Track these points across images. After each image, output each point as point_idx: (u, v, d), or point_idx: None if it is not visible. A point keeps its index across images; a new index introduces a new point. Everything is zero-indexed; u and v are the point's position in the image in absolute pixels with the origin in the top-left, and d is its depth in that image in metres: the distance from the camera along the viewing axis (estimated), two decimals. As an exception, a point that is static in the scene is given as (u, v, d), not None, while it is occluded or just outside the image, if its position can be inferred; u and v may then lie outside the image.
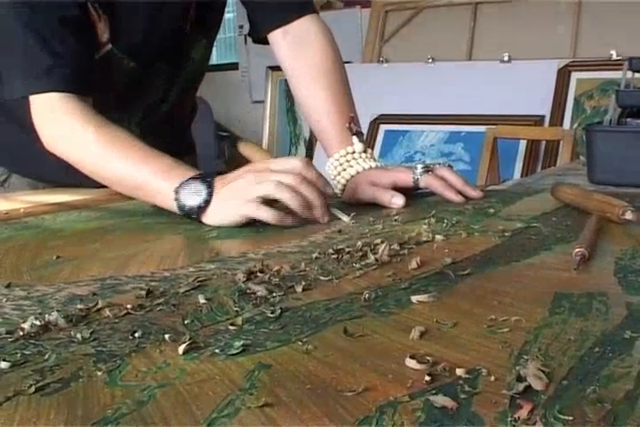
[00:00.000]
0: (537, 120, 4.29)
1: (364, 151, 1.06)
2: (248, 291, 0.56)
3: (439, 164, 1.00)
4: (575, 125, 4.20)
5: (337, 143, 1.07)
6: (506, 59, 4.57)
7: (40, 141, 1.05)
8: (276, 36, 1.18)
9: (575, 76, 4.37)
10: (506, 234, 0.72)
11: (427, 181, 0.96)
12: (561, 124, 4.23)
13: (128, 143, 0.95)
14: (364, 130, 1.24)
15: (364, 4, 5.82)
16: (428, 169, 0.97)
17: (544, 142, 4.11)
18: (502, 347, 0.42)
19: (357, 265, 0.62)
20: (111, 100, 1.10)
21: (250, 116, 5.90)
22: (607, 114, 1.18)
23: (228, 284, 0.59)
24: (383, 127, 4.80)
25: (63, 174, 1.11)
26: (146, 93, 1.25)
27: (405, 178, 0.97)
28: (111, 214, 1.03)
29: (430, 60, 4.91)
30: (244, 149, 1.02)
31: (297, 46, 1.16)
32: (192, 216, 0.88)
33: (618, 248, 0.65)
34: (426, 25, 5.13)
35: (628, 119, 1.20)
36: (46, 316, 0.51)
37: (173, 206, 0.88)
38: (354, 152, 1.05)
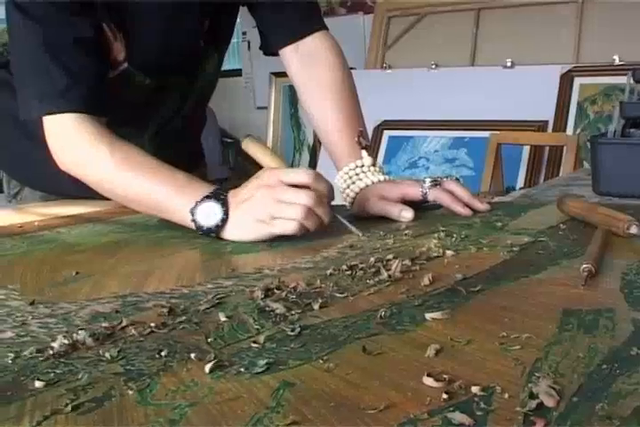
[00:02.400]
0: (540, 125, 4.31)
1: (373, 165, 1.08)
2: (267, 308, 0.58)
3: (446, 177, 1.02)
4: (578, 131, 4.22)
5: (346, 157, 1.09)
6: (509, 64, 4.59)
7: (53, 157, 1.07)
8: (287, 52, 1.21)
9: (578, 81, 4.39)
10: (514, 249, 0.74)
11: (435, 195, 0.98)
12: (564, 130, 4.25)
13: (142, 162, 0.97)
14: (368, 136, 1.25)
15: (366, 10, 5.84)
16: (435, 182, 0.99)
17: (548, 148, 4.13)
18: (515, 364, 0.44)
19: (371, 282, 0.64)
20: (126, 115, 1.12)
21: (253, 122, 5.92)
22: (611, 125, 1.20)
23: (246, 301, 0.61)
24: (387, 133, 4.82)
25: (74, 188, 1.13)
26: (159, 108, 1.27)
27: (414, 191, 0.99)
28: (124, 228, 1.05)
29: (433, 66, 4.93)
30: (249, 146, 1.02)
31: (308, 62, 1.18)
32: (210, 234, 0.90)
33: (624, 263, 0.66)
34: (429, 31, 5.15)
35: (632, 130, 1.22)
36: (74, 335, 0.53)
37: (192, 226, 0.91)
38: (363, 165, 1.07)
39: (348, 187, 1.06)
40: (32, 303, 0.65)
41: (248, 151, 0.98)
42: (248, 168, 5.46)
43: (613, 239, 0.76)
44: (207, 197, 0.91)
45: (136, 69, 1.15)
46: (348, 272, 0.68)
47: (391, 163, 4.71)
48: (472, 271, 0.66)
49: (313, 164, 5.79)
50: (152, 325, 0.55)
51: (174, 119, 1.32)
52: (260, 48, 1.28)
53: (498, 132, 3.89)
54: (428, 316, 0.53)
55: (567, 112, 4.33)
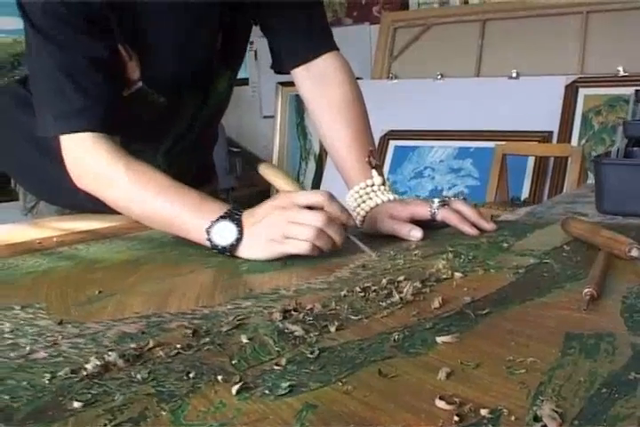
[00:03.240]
0: (545, 136, 4.34)
1: (383, 184, 1.11)
2: (286, 331, 0.61)
3: (454, 197, 1.05)
4: (583, 141, 4.25)
5: (357, 176, 1.12)
6: (514, 75, 4.63)
7: (68, 173, 1.10)
8: (298, 72, 1.24)
9: (583, 92, 4.42)
10: (520, 271, 0.77)
11: (443, 215, 1.01)
12: (569, 140, 4.28)
13: (158, 181, 1.00)
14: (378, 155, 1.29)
15: (372, 21, 5.88)
16: (444, 203, 1.02)
17: (552, 158, 4.15)
18: (520, 388, 0.47)
19: (384, 304, 0.68)
20: (140, 132, 1.16)
21: (260, 130, 5.97)
22: (614, 144, 1.23)
23: (266, 323, 0.64)
24: (393, 143, 4.85)
25: (90, 203, 1.16)
26: (173, 125, 1.31)
27: (423, 211, 1.03)
28: (141, 245, 1.08)
29: (439, 77, 4.97)
30: (265, 172, 1.07)
31: (319, 82, 1.22)
32: (225, 253, 0.93)
33: (625, 286, 0.70)
34: (435, 41, 5.19)
35: (635, 148, 1.26)
36: (105, 356, 0.56)
37: (207, 244, 0.94)
38: (373, 185, 1.11)
39: (359, 205, 1.09)
40: (60, 323, 0.68)
41: (265, 176, 1.02)
42: (254, 177, 5.48)
43: (615, 262, 0.79)
44: (222, 216, 0.94)
45: (150, 88, 1.19)
46: (362, 294, 0.71)
47: (397, 172, 4.74)
48: (480, 294, 0.70)
49: (319, 173, 5.83)
50: (178, 346, 0.58)
51: (187, 136, 1.35)
52: (272, 67, 1.31)
53: (503, 143, 3.92)
54: (439, 339, 0.57)
55: (572, 123, 4.37)
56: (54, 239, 1.16)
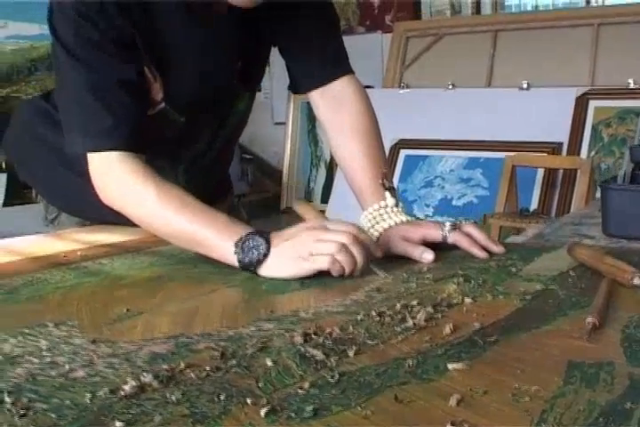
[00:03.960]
0: (555, 147, 4.37)
1: (396, 205, 1.16)
2: (307, 355, 0.65)
3: (465, 220, 1.09)
4: (593, 153, 4.28)
5: (371, 198, 1.17)
6: (525, 86, 4.67)
7: (94, 189, 1.15)
8: (314, 95, 1.29)
9: (593, 104, 4.45)
10: (526, 297, 0.82)
11: (454, 238, 1.06)
12: (579, 151, 4.32)
13: (185, 202, 1.05)
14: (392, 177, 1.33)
15: (385, 30, 5.93)
16: (455, 226, 1.07)
17: (562, 170, 4.19)
18: (525, 415, 0.52)
19: (398, 329, 0.72)
20: (160, 150, 1.20)
21: (271, 137, 6.02)
22: (621, 169, 1.27)
23: (287, 346, 0.69)
24: (403, 152, 4.90)
25: (112, 216, 1.20)
26: (193, 144, 1.35)
27: (435, 234, 1.07)
28: (163, 261, 1.13)
29: (450, 87, 5.01)
30: (299, 208, 1.14)
31: (334, 105, 1.27)
32: (249, 269, 0.98)
33: (626, 315, 0.74)
34: (446, 51, 5.24)
35: (642, 171, 1.30)
36: (142, 377, 0.60)
37: (233, 260, 0.98)
38: (386, 206, 1.15)
39: (373, 227, 1.14)
40: (94, 342, 0.73)
41: (299, 212, 1.07)
42: (266, 184, 5.54)
43: (618, 289, 0.83)
44: (252, 233, 0.99)
45: (173, 109, 1.24)
46: (377, 318, 0.75)
47: (407, 181, 4.79)
48: (488, 320, 0.74)
49: (329, 179, 5.88)
50: (207, 368, 0.63)
51: (206, 154, 1.40)
52: (289, 88, 1.36)
53: (513, 155, 3.96)
54: (450, 366, 0.61)
55: (582, 134, 4.40)
56: (79, 253, 1.20)
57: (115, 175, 1.11)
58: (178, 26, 1.17)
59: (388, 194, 1.16)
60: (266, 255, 0.97)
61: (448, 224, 1.07)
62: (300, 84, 1.32)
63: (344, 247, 0.92)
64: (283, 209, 6.20)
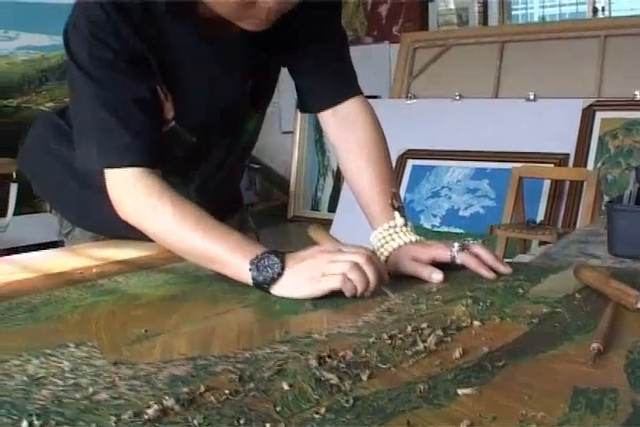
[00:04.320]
0: (562, 158, 4.39)
1: (405, 225, 1.18)
2: (322, 378, 0.68)
3: (473, 240, 1.12)
4: (599, 164, 4.30)
5: (380, 217, 1.19)
6: (532, 97, 4.69)
7: (108, 204, 1.18)
8: (324, 115, 1.32)
9: (600, 115, 4.47)
10: (533, 321, 0.84)
11: (462, 259, 1.08)
12: (585, 163, 4.34)
13: (201, 219, 1.08)
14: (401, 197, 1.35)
15: (392, 40, 5.96)
16: (463, 247, 1.09)
17: (568, 182, 4.20)
18: (532, 442, 0.54)
19: (409, 352, 0.75)
20: (172, 168, 1.23)
21: (279, 146, 6.04)
22: (627, 189, 1.30)
23: (303, 369, 0.71)
24: (410, 162, 4.92)
25: (126, 230, 1.23)
26: (204, 164, 1.38)
27: (443, 254, 1.10)
28: (177, 279, 1.15)
29: (457, 97, 5.03)
30: (314, 233, 1.18)
31: (344, 125, 1.29)
32: (263, 287, 1.00)
33: (630, 340, 0.76)
34: (453, 62, 5.27)
35: (648, 190, 1.32)
36: (164, 401, 0.63)
37: (247, 278, 1.01)
38: (395, 226, 1.18)
39: (382, 246, 1.16)
40: (115, 364, 0.76)
41: (313, 237, 1.09)
42: (274, 193, 5.55)
43: (623, 312, 0.86)
44: (267, 252, 1.02)
45: (183, 129, 1.27)
46: (389, 342, 0.78)
47: (414, 191, 4.81)
48: (496, 344, 0.76)
49: (337, 188, 5.91)
50: (226, 391, 0.65)
51: (218, 172, 1.43)
52: (297, 107, 1.39)
53: (519, 166, 3.98)
54: (460, 391, 0.63)
55: (588, 146, 4.42)
56: (94, 270, 1.23)
57: (131, 191, 1.14)
58: (189, 45, 1.20)
59: (397, 214, 1.19)
60: (280, 274, 1.00)
61: (456, 245, 1.10)
62: (309, 105, 1.35)
63: (356, 266, 0.96)
64: (290, 218, 6.23)
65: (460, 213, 4.55)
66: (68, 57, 1.15)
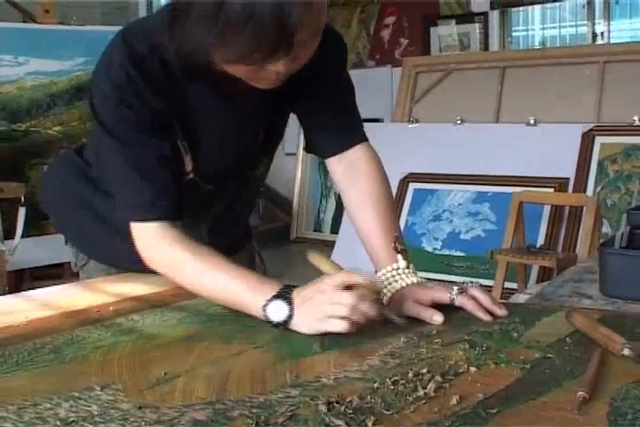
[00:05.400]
0: (561, 182, 4.46)
1: (408, 267, 1.25)
2: (331, 424, 0.75)
3: (471, 283, 1.18)
4: (599, 189, 4.37)
5: (384, 260, 1.26)
6: (532, 122, 4.77)
7: (122, 241, 1.28)
8: (332, 161, 1.39)
9: (599, 140, 4.54)
10: (526, 366, 0.91)
11: (460, 301, 1.15)
12: (585, 187, 4.40)
13: (219, 265, 1.18)
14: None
15: (394, 64, 6.05)
16: (462, 289, 1.16)
17: (568, 206, 4.27)
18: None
19: (410, 398, 0.81)
20: (185, 213, 1.30)
21: (282, 168, 6.12)
22: (619, 231, 1.36)
23: (313, 414, 0.78)
24: (412, 186, 4.99)
25: (138, 265, 1.30)
26: (215, 207, 1.46)
27: (443, 297, 1.16)
28: (191, 318, 1.21)
29: (459, 122, 5.11)
30: (313, 259, 1.24)
31: (350, 171, 1.36)
32: (279, 326, 1.10)
33: (615, 387, 0.83)
34: (455, 87, 5.36)
35: (638, 231, 1.39)
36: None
37: (263, 319, 1.11)
38: (398, 268, 1.24)
39: (386, 287, 1.23)
40: (140, 408, 0.82)
41: (312, 262, 1.17)
42: (277, 214, 5.60)
43: (610, 358, 0.92)
44: (275, 296, 1.10)
45: (200, 179, 1.34)
46: (392, 387, 0.85)
47: (416, 215, 4.88)
48: (491, 390, 0.83)
49: (339, 209, 5.99)
50: (246, 438, 0.72)
51: (228, 212, 1.50)
52: (305, 149, 1.46)
53: (520, 191, 4.05)
54: (457, 439, 0.70)
55: (588, 170, 4.49)
56: (110, 308, 1.29)
57: (155, 245, 1.24)
58: (205, 102, 1.27)
59: (399, 257, 1.25)
60: (290, 316, 1.09)
61: (455, 288, 1.16)
62: (319, 151, 1.42)
63: (355, 308, 1.04)
64: (293, 239, 6.30)
65: (462, 236, 4.62)
66: (92, 116, 1.23)
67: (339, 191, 1.41)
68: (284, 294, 1.10)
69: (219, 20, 0.99)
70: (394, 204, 1.36)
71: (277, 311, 1.09)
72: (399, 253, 1.26)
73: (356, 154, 1.37)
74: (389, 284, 1.23)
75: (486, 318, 1.13)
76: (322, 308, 1.06)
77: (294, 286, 1.12)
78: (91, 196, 1.49)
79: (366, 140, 1.40)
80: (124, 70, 1.17)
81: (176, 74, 1.19)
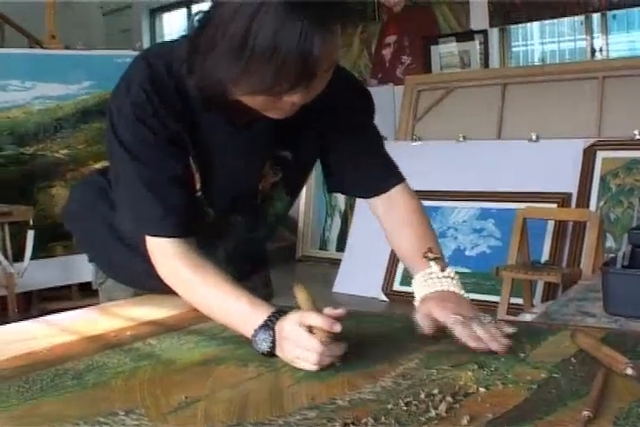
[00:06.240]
0: (564, 197, 4.50)
1: (442, 270, 1.28)
2: (349, 447, 0.78)
3: (483, 315, 1.18)
4: (601, 203, 4.40)
5: (414, 268, 1.32)
6: (534, 138, 4.81)
7: (141, 262, 1.34)
8: (372, 200, 1.44)
9: (601, 155, 4.57)
10: (533, 386, 0.94)
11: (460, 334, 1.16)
12: (587, 202, 4.44)
13: (224, 287, 1.22)
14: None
15: (397, 82, 6.10)
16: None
17: (571, 222, 4.30)
18: None
19: (423, 419, 0.85)
20: (199, 239, 1.34)
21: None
22: (621, 251, 1.40)
23: (332, 436, 0.82)
24: (417, 203, 5.00)
25: (156, 284, 1.33)
26: (226, 239, 1.48)
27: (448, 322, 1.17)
28: (207, 342, 1.25)
29: (462, 139, 5.15)
30: (296, 293, 1.30)
31: (390, 208, 1.42)
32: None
33: (618, 406, 0.86)
34: (457, 104, 5.40)
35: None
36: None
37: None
38: (431, 273, 1.28)
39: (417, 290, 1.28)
40: (164, 433, 0.86)
41: (295, 294, 1.20)
42: (282, 233, 5.60)
43: (614, 378, 0.96)
44: (261, 326, 1.14)
45: (205, 200, 1.38)
46: (405, 408, 0.88)
47: (421, 232, 4.90)
48: (500, 410, 0.87)
49: (344, 228, 6.02)
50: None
51: (244, 244, 1.53)
52: (329, 190, 1.52)
53: (523, 207, 4.08)
54: (468, 462, 0.74)
55: (590, 184, 4.52)
56: (128, 333, 1.33)
57: (166, 261, 1.28)
58: (217, 127, 1.31)
59: (431, 263, 1.29)
60: (273, 347, 1.13)
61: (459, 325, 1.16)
62: (354, 193, 1.51)
63: (322, 354, 1.05)
64: (299, 258, 6.33)
65: (467, 252, 4.65)
66: (112, 136, 1.27)
67: (378, 220, 1.44)
68: (268, 325, 1.14)
69: (244, 54, 1.03)
70: (433, 231, 1.40)
71: (263, 343, 1.13)
72: (431, 260, 1.29)
73: (395, 193, 1.42)
74: (422, 287, 1.27)
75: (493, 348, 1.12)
76: (294, 352, 1.08)
77: (284, 312, 1.15)
78: (111, 215, 1.53)
79: (404, 179, 1.44)
80: (142, 90, 1.22)
81: (192, 100, 1.24)
